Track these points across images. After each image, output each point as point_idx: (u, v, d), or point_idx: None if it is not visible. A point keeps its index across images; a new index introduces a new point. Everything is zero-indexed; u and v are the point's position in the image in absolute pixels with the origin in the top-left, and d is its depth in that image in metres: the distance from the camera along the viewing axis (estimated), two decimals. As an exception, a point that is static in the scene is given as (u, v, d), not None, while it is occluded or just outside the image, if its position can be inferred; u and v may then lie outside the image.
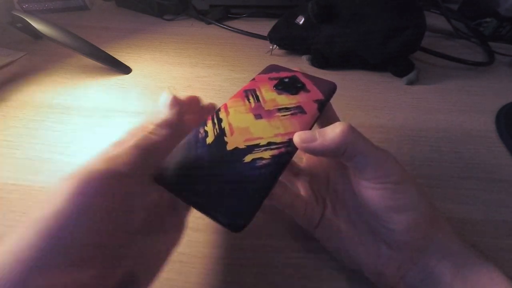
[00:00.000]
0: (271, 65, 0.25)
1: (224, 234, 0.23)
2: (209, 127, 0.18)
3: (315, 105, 0.20)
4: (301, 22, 0.40)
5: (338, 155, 0.16)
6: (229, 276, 0.21)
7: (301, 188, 0.23)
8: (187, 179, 0.16)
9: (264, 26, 0.45)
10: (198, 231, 0.23)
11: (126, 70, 0.40)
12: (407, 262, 0.17)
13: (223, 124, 0.18)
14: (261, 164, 0.16)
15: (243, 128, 0.18)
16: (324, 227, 0.20)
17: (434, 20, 0.51)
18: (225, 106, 0.20)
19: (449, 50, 0.42)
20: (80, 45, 0.38)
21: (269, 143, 0.17)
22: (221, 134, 0.18)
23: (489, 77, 0.40)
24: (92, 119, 0.33)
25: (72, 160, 0.28)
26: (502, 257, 0.22)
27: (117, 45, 0.46)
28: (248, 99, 0.21)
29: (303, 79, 0.23)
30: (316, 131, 0.17)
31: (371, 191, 0.17)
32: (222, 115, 0.19)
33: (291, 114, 0.19)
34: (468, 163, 0.29)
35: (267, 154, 0.17)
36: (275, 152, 0.17)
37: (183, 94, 0.37)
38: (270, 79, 0.23)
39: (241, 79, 0.39)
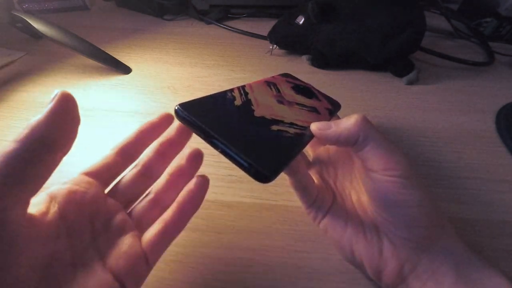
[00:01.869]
0: (286, 73, 0.27)
1: (223, 234, 0.23)
2: (236, 94, 0.19)
3: (327, 111, 0.22)
4: (301, 22, 0.40)
5: (351, 144, 0.17)
6: (229, 276, 0.21)
7: (313, 178, 0.23)
8: (217, 121, 0.15)
9: (264, 26, 0.45)
10: (197, 231, 0.23)
11: (126, 70, 0.40)
12: (409, 261, 0.17)
13: (249, 97, 0.19)
14: (286, 135, 0.17)
15: (268, 105, 0.19)
16: (331, 218, 0.21)
17: (434, 20, 0.51)
18: (249, 85, 0.21)
19: (449, 50, 0.42)
20: (80, 45, 0.38)
21: (292, 123, 0.18)
22: (247, 103, 0.18)
23: (489, 77, 0.40)
24: (92, 119, 0.33)
25: (72, 160, 0.28)
26: (502, 257, 0.22)
27: (117, 45, 0.46)
28: (270, 88, 0.22)
29: (315, 91, 0.25)
30: (332, 121, 0.18)
31: (379, 184, 0.17)
32: (247, 90, 0.20)
33: (308, 110, 0.21)
34: (468, 163, 0.29)
35: (291, 131, 0.18)
36: (297, 131, 0.18)
37: (183, 94, 0.37)
38: (287, 81, 0.24)
39: (241, 79, 0.39)
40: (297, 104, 0.21)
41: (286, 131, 0.17)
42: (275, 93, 0.21)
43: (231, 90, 0.19)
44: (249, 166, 0.14)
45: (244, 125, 0.16)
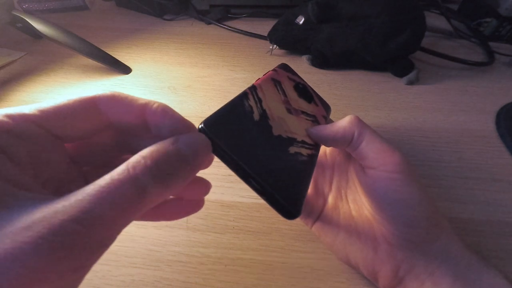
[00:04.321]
0: (284, 64, 0.25)
1: (223, 234, 0.23)
2: (252, 103, 0.17)
3: (324, 120, 0.23)
4: (301, 22, 0.40)
5: (347, 142, 0.18)
6: (229, 276, 0.21)
7: None
8: (246, 150, 0.15)
9: (264, 26, 0.45)
10: (197, 231, 0.23)
11: (126, 70, 0.40)
12: (406, 262, 0.17)
13: (263, 105, 0.18)
14: (302, 159, 0.17)
15: (281, 117, 0.19)
16: (323, 222, 0.21)
17: (434, 20, 0.51)
18: (259, 86, 0.19)
19: (449, 50, 0.42)
20: (80, 45, 0.38)
21: (303, 141, 0.19)
22: (264, 116, 0.18)
23: (489, 77, 0.40)
24: (92, 119, 0.33)
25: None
26: (502, 257, 0.22)
27: (117, 45, 0.46)
28: (277, 89, 0.21)
29: (310, 90, 0.25)
30: (328, 124, 0.19)
31: (378, 182, 0.17)
32: (260, 94, 0.19)
33: (311, 121, 0.21)
34: (468, 163, 0.29)
35: (304, 152, 0.18)
36: (308, 152, 0.18)
37: (183, 94, 0.37)
38: (289, 78, 0.24)
39: (241, 79, 0.39)
40: (302, 112, 0.21)
41: (301, 153, 0.18)
42: (282, 97, 0.21)
43: (247, 97, 0.17)
44: (281, 206, 0.14)
45: (268, 152, 0.16)
